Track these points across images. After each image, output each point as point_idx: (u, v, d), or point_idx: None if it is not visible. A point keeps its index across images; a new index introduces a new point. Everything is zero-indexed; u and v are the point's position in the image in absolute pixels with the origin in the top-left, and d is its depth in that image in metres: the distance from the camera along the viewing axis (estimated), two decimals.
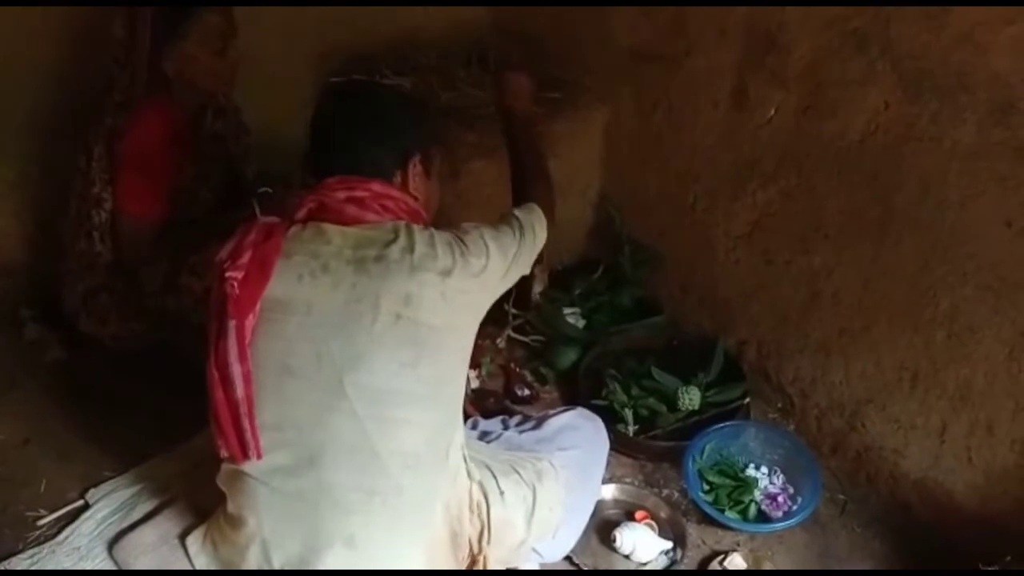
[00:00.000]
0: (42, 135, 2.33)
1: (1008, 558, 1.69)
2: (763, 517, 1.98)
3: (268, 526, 1.51)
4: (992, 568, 1.69)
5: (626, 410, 2.18)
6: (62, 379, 2.24)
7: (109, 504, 1.88)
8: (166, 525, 1.74)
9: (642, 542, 1.88)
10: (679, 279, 2.49)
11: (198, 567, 1.63)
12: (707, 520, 1.98)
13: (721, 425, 2.11)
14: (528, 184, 1.84)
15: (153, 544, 1.72)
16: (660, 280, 2.52)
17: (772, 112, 2.08)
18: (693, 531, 1.96)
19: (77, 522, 1.86)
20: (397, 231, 1.51)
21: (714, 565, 1.88)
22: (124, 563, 1.73)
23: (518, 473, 1.68)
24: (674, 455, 2.09)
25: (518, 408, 2.20)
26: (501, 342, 2.45)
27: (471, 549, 1.63)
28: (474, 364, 2.20)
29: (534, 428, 1.87)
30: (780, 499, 2.00)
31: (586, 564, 1.86)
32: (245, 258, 1.46)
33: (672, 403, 2.19)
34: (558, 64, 2.57)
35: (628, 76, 2.44)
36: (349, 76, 2.47)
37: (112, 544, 1.77)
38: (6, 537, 1.85)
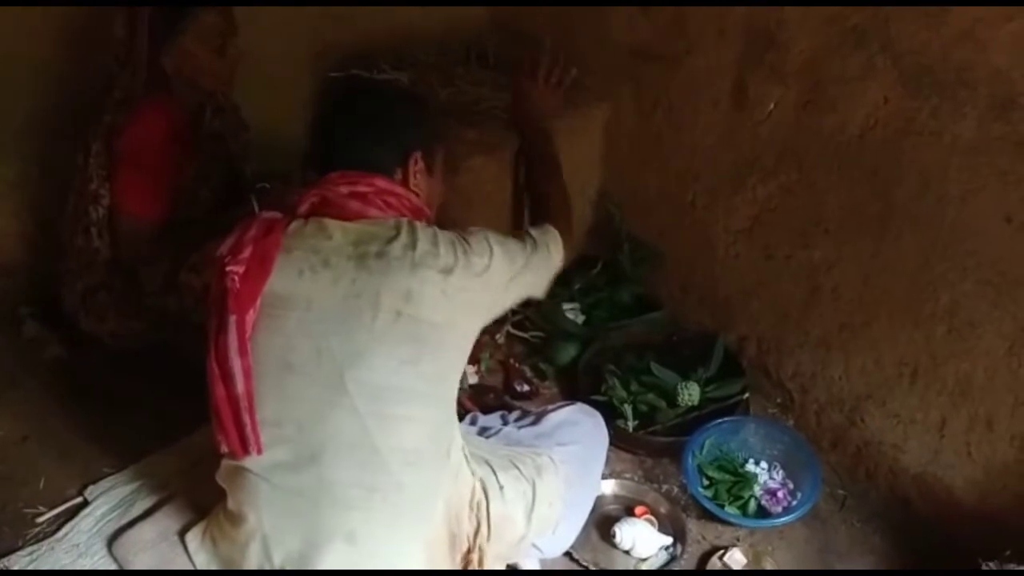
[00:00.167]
0: (42, 135, 2.33)
1: (1007, 553, 1.69)
2: (763, 512, 1.98)
3: (268, 522, 1.51)
4: (991, 564, 1.69)
5: (625, 406, 2.18)
6: (61, 377, 2.24)
7: (108, 501, 1.88)
8: (165, 522, 1.74)
9: (642, 538, 1.88)
10: (679, 276, 2.49)
11: (198, 564, 1.63)
12: (707, 515, 1.98)
13: (721, 421, 2.11)
14: (545, 206, 1.83)
15: (152, 541, 1.71)
16: (660, 277, 2.52)
17: (771, 108, 2.08)
18: (693, 526, 1.96)
19: (76, 519, 1.85)
20: (399, 228, 1.51)
21: (714, 560, 1.89)
22: (123, 560, 1.72)
23: (518, 468, 1.68)
24: (674, 451, 2.09)
25: (517, 404, 2.20)
26: (500, 337, 2.45)
27: (467, 545, 1.63)
28: (473, 359, 2.20)
29: (533, 424, 1.87)
30: (780, 494, 2.00)
31: (586, 560, 1.86)
32: (246, 253, 1.46)
33: (672, 399, 2.19)
34: None
35: (628, 75, 2.44)
36: (348, 72, 2.47)
37: (111, 541, 1.77)
38: (5, 534, 1.85)
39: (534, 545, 1.74)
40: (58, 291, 2.24)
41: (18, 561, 1.78)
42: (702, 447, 2.07)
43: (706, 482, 2.03)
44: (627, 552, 1.89)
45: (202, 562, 1.63)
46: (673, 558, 1.89)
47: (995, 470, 1.83)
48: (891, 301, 1.94)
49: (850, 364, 2.07)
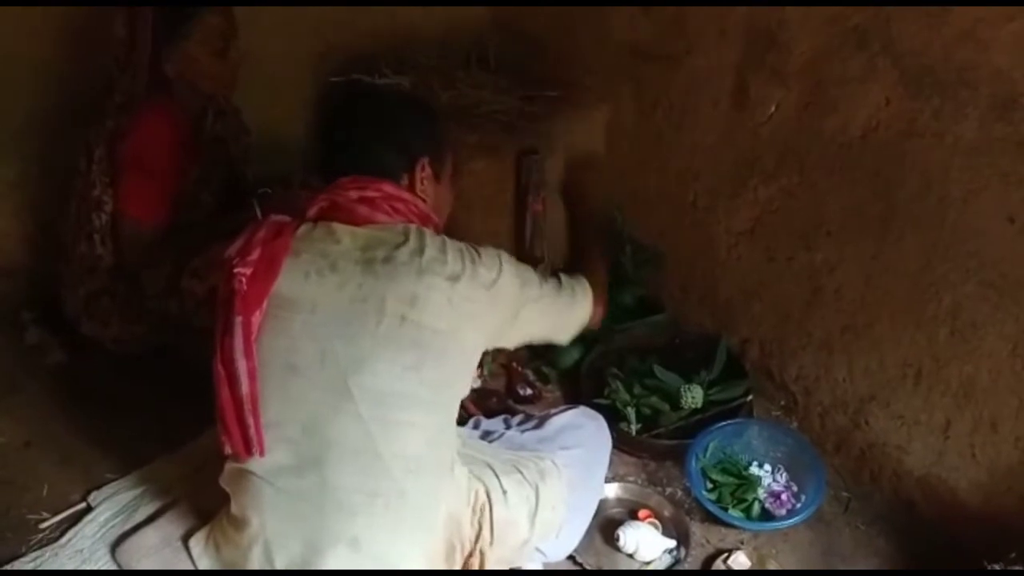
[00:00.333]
0: (42, 135, 2.33)
1: (1012, 555, 1.69)
2: (767, 515, 1.98)
3: (271, 526, 1.51)
4: (996, 566, 1.68)
5: (628, 409, 2.18)
6: (63, 382, 2.24)
7: (111, 507, 1.88)
8: (169, 527, 1.74)
9: (645, 541, 1.88)
10: (680, 278, 2.49)
11: (201, 569, 1.63)
12: (711, 518, 1.97)
13: (724, 423, 2.10)
14: (585, 265, 1.87)
15: (156, 546, 1.72)
16: (661, 279, 2.52)
17: (772, 109, 2.08)
18: (697, 530, 1.96)
19: (79, 525, 1.86)
20: (408, 234, 1.52)
21: (718, 564, 1.88)
22: (127, 566, 1.73)
23: (521, 473, 1.68)
24: (677, 453, 2.08)
25: (520, 407, 2.20)
26: None
27: (468, 549, 1.63)
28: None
29: (536, 427, 1.87)
30: (784, 497, 1.99)
31: (589, 563, 1.86)
32: (254, 255, 1.47)
33: (675, 401, 2.19)
34: (558, 64, 2.57)
35: (628, 75, 2.44)
36: (349, 76, 2.47)
37: (115, 547, 1.77)
38: (9, 541, 1.85)
39: (537, 549, 1.74)
40: (59, 294, 2.24)
41: (22, 568, 1.78)
42: (706, 450, 2.07)
43: (710, 485, 2.03)
44: (631, 556, 1.88)
45: (206, 567, 1.63)
46: (677, 561, 1.88)
47: (999, 472, 1.83)
48: (893, 302, 1.93)
49: (853, 366, 2.06)
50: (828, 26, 1.90)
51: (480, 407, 2.14)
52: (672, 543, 1.91)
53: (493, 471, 1.65)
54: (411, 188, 1.60)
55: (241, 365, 1.45)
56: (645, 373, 2.26)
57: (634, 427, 2.16)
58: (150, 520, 1.79)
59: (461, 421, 1.66)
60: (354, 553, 1.49)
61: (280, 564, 1.51)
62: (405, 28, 2.65)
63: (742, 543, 1.94)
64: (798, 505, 1.98)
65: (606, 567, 1.87)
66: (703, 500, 1.96)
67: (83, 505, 1.91)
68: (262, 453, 1.48)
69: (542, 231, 2.46)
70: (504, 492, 1.64)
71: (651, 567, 1.88)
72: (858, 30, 1.85)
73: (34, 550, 1.82)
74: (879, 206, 1.91)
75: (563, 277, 1.77)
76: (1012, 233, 1.68)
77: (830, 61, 1.92)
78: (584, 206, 2.06)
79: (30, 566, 1.78)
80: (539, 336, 1.75)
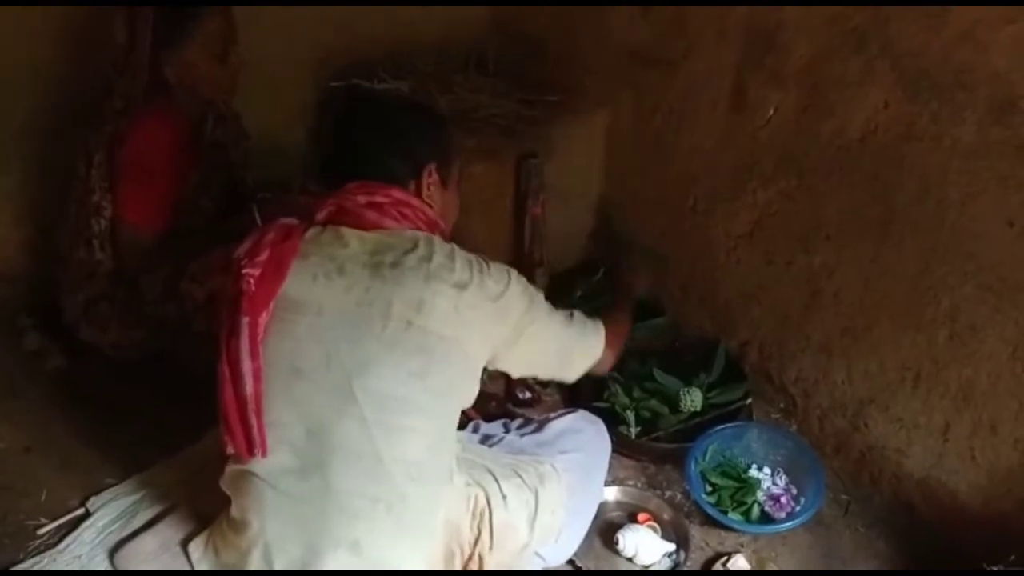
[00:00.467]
0: (43, 135, 2.32)
1: (1012, 558, 1.69)
2: (766, 518, 1.98)
3: (272, 529, 1.51)
4: (996, 568, 1.68)
5: (628, 412, 2.18)
6: (63, 387, 2.24)
7: (110, 512, 1.87)
8: (167, 532, 1.74)
9: (645, 544, 1.88)
10: (680, 280, 2.49)
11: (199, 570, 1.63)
12: (710, 522, 1.97)
13: (723, 426, 2.10)
14: (607, 316, 1.85)
15: (154, 552, 1.72)
16: (661, 282, 2.52)
17: (771, 112, 2.08)
18: (696, 533, 1.96)
19: (78, 530, 1.85)
20: (417, 241, 1.52)
21: (718, 567, 1.88)
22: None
23: (520, 477, 1.68)
24: (676, 457, 2.08)
25: (519, 411, 2.19)
26: None
27: (468, 553, 1.62)
28: None
29: (535, 431, 1.87)
30: (783, 500, 1.99)
31: (589, 567, 1.86)
32: (263, 256, 1.47)
33: (674, 405, 2.19)
34: (558, 67, 2.57)
35: (628, 79, 2.44)
36: (348, 81, 2.47)
37: (113, 552, 1.77)
38: (7, 547, 1.85)
39: (537, 553, 1.73)
40: (58, 299, 2.24)
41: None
42: (705, 453, 2.07)
43: (709, 488, 2.03)
44: (630, 559, 1.88)
45: None
46: (676, 565, 1.88)
47: (999, 474, 1.82)
48: (892, 305, 1.93)
49: (852, 369, 2.06)
50: (826, 29, 1.90)
51: (479, 411, 2.13)
52: (671, 546, 1.91)
53: (492, 475, 1.65)
54: (418, 194, 1.60)
55: (246, 365, 1.45)
56: (644, 376, 2.26)
57: (633, 430, 2.16)
58: (149, 525, 1.78)
59: (460, 425, 1.65)
60: (355, 557, 1.49)
61: (279, 567, 1.50)
62: (404, 33, 2.65)
63: (742, 546, 1.94)
64: (798, 508, 1.98)
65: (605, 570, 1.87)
66: (702, 503, 1.96)
67: (82, 511, 1.91)
68: (264, 454, 1.48)
69: (541, 235, 2.47)
70: (504, 496, 1.63)
71: (650, 571, 1.87)
72: (856, 32, 1.85)
73: (32, 556, 1.82)
74: (878, 209, 1.91)
75: (576, 313, 1.76)
76: (1011, 236, 1.68)
77: (828, 64, 1.92)
78: (632, 288, 2.09)
79: None
80: (543, 364, 1.73)
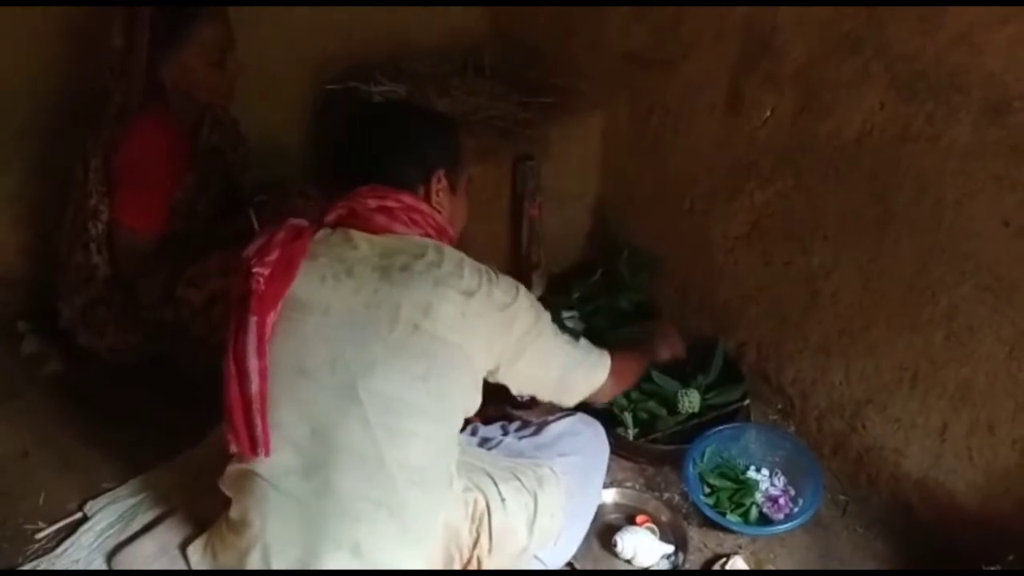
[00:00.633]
0: (42, 135, 2.32)
1: (1010, 558, 1.69)
2: (765, 519, 1.98)
3: (272, 530, 1.51)
4: (994, 568, 1.69)
5: (626, 414, 2.18)
6: (60, 391, 2.24)
7: (108, 516, 1.87)
8: (166, 536, 1.74)
9: (643, 546, 1.88)
10: (677, 282, 2.49)
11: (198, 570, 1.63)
12: (708, 523, 1.97)
13: (721, 427, 2.10)
14: (617, 349, 1.84)
15: (153, 555, 1.71)
16: (659, 284, 2.52)
17: (768, 114, 2.08)
18: (694, 534, 1.96)
19: (76, 534, 1.85)
20: (426, 248, 1.53)
21: (716, 568, 1.88)
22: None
23: (519, 480, 1.68)
24: (674, 458, 2.08)
25: (518, 413, 2.18)
26: None
27: (467, 556, 1.62)
28: None
29: (534, 434, 1.87)
30: (781, 501, 1.99)
31: (587, 569, 1.86)
32: (273, 255, 1.47)
33: (672, 406, 2.19)
34: (555, 70, 2.58)
35: (624, 81, 2.45)
36: (346, 84, 2.47)
37: (111, 556, 1.76)
38: (5, 551, 1.84)
39: (536, 556, 1.73)
40: (56, 304, 2.24)
41: None
42: (703, 454, 2.07)
43: (707, 490, 2.03)
44: (628, 561, 1.88)
45: None
46: (675, 566, 1.88)
47: (997, 474, 1.83)
48: (890, 306, 1.94)
49: (850, 369, 2.06)
50: (822, 31, 1.91)
51: (478, 414, 2.14)
52: (670, 548, 1.91)
53: (491, 479, 1.65)
54: (427, 199, 1.61)
55: (252, 364, 1.45)
56: (642, 378, 2.25)
57: (631, 432, 2.16)
58: (147, 529, 1.78)
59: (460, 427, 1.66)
60: (356, 559, 1.49)
61: (278, 568, 1.50)
62: (402, 37, 2.65)
63: (740, 547, 1.94)
64: (796, 509, 1.98)
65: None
66: (701, 505, 1.96)
67: (80, 515, 1.91)
68: (267, 453, 1.48)
69: (538, 236, 2.47)
70: (502, 500, 1.63)
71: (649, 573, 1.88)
72: (851, 35, 1.85)
73: (31, 560, 1.81)
74: (875, 210, 1.91)
75: (583, 339, 1.76)
76: (1007, 236, 1.69)
77: (824, 66, 1.93)
78: (655, 352, 2.10)
79: None
80: (544, 382, 1.72)
